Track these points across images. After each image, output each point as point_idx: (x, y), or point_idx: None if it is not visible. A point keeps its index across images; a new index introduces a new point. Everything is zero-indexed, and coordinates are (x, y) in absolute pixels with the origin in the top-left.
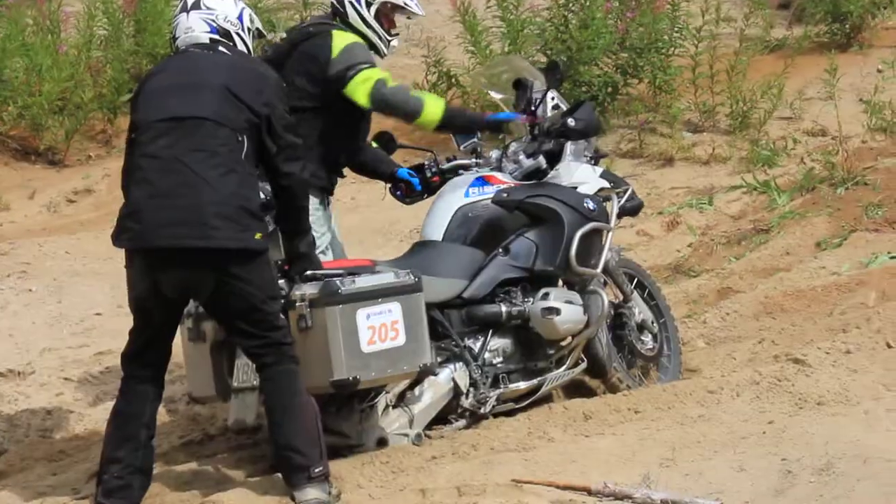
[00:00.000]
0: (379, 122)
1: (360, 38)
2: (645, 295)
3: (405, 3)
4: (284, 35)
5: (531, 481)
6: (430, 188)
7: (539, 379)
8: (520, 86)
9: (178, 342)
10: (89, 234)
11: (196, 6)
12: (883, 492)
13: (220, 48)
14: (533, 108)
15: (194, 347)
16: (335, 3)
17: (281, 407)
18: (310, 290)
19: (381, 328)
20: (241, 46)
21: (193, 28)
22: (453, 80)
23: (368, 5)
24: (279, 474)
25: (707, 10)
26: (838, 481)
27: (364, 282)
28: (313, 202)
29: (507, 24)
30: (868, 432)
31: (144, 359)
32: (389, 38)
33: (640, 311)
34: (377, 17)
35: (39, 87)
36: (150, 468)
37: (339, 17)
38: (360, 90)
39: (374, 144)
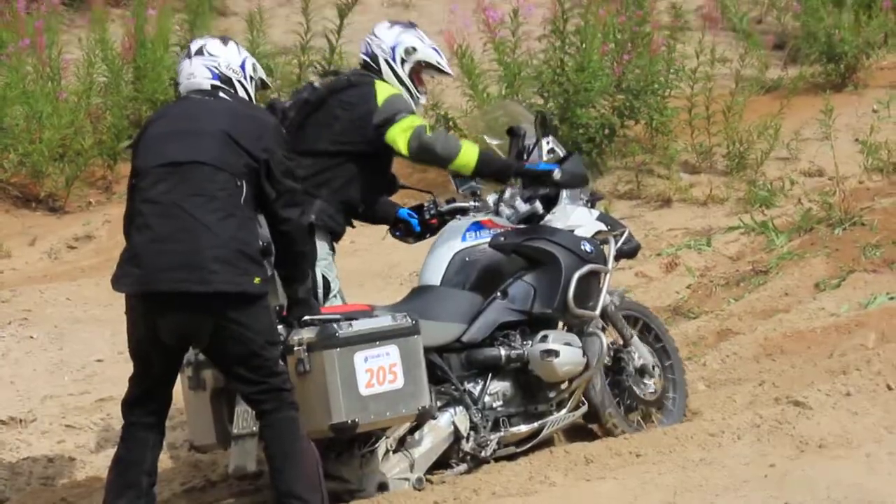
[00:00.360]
0: None
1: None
2: (651, 337)
3: (438, 63)
4: (313, 82)
5: None
6: (429, 229)
7: (540, 422)
8: (513, 133)
9: (179, 388)
10: (90, 281)
11: (199, 53)
12: None
13: (221, 94)
14: (527, 156)
15: (195, 395)
16: (368, 59)
17: (281, 453)
18: (307, 334)
19: (379, 371)
20: (241, 94)
21: (195, 74)
22: (451, 122)
23: (403, 62)
24: None
25: (702, 51)
26: None
27: (361, 325)
28: (324, 247)
29: (504, 66)
30: (870, 476)
31: (145, 406)
32: (419, 95)
33: (639, 355)
34: (410, 74)
35: (40, 134)
36: None
37: (371, 72)
38: (401, 137)
39: None
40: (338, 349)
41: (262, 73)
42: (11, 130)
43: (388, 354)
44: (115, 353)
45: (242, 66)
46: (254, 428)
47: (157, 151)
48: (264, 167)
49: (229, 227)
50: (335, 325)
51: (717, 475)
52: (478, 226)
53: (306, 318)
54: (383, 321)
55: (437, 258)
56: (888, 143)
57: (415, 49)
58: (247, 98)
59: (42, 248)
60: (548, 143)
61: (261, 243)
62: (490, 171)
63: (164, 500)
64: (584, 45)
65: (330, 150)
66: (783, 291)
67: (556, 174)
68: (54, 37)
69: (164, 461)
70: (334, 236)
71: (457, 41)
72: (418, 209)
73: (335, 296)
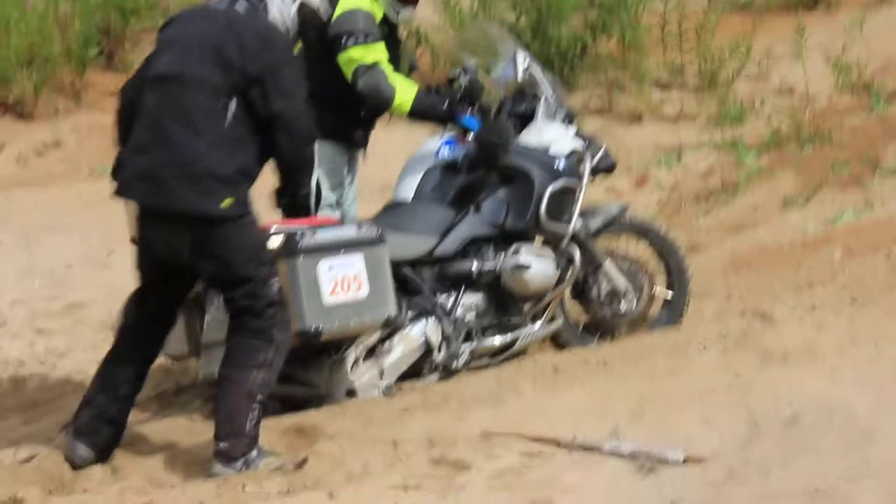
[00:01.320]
0: None
1: (370, 2)
2: (654, 251)
3: None
4: None
5: (501, 433)
6: None
7: (513, 334)
8: (462, 73)
9: None
10: (59, 188)
11: None
12: (847, 444)
13: (237, 6)
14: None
15: None
16: None
17: (224, 372)
18: (272, 243)
19: (343, 280)
20: (274, 11)
21: None
22: (422, 36)
23: None
24: None
25: None
26: (804, 434)
27: (325, 235)
28: (330, 149)
29: None
30: (833, 386)
31: (146, 311)
32: (399, 10)
33: (608, 279)
34: None
35: (8, 40)
36: (123, 421)
37: None
38: (346, 68)
39: None
40: (301, 257)
41: None
42: None
43: (353, 264)
44: (84, 259)
45: None
46: (223, 336)
47: (156, 61)
48: (259, 86)
49: (198, 147)
50: (298, 235)
51: (682, 385)
52: (452, 142)
53: (272, 228)
54: (348, 231)
55: (410, 174)
56: (859, 62)
57: None
58: (279, 15)
59: (10, 155)
60: (524, 61)
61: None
62: (424, 115)
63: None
64: None
65: (310, 55)
66: (751, 207)
67: (470, 135)
68: None
69: None
70: (346, 143)
71: None
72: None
73: (331, 206)
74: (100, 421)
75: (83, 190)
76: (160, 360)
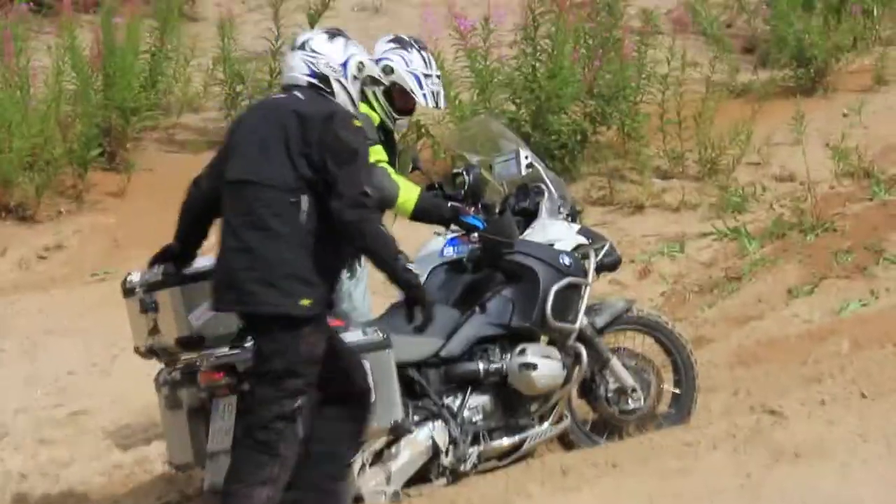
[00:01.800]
0: None
1: (367, 107)
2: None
3: (411, 89)
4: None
5: None
6: None
7: (521, 436)
8: (466, 172)
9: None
10: (61, 291)
11: (302, 47)
12: None
13: (296, 92)
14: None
15: (171, 415)
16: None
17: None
18: None
19: None
20: (340, 94)
21: (294, 68)
22: (423, 129)
23: (383, 75)
24: None
25: (673, 56)
26: None
27: None
28: None
29: (476, 73)
30: (844, 486)
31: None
32: (396, 118)
33: (615, 378)
34: (386, 94)
35: (9, 143)
36: None
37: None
38: None
39: None
40: None
41: (373, 71)
42: None
43: None
44: (88, 366)
45: (344, 65)
46: (229, 445)
47: (231, 165)
48: (322, 167)
49: (276, 249)
50: None
51: (692, 484)
52: (456, 241)
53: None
54: (353, 336)
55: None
56: (858, 148)
57: (392, 70)
58: (347, 98)
59: (12, 259)
60: (526, 157)
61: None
62: (427, 215)
63: None
64: (555, 52)
65: None
66: (756, 298)
67: (475, 236)
68: (22, 44)
69: (139, 476)
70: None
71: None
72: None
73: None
74: None
75: (86, 293)
76: (163, 470)
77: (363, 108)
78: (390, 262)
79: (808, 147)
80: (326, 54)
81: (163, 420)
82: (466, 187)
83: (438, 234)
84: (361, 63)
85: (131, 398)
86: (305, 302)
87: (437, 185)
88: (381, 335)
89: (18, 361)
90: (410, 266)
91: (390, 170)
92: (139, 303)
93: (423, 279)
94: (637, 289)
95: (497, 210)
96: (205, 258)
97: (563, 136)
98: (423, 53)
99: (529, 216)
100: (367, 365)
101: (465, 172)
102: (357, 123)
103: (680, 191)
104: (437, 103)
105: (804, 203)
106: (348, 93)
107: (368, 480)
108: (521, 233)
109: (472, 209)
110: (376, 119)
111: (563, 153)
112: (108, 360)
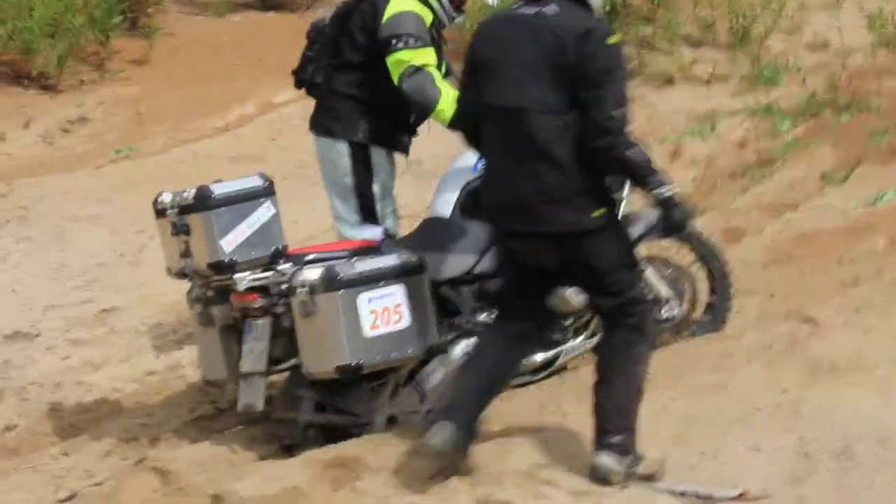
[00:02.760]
0: None
1: (419, 3)
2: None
3: None
4: None
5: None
6: None
7: (555, 351)
8: None
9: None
10: (86, 172)
11: None
12: None
13: (546, 10)
14: None
15: (204, 331)
16: None
17: (602, 369)
18: (310, 275)
19: (383, 312)
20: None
21: None
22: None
23: None
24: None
25: None
26: (858, 469)
27: (364, 265)
28: (383, 160)
29: None
30: (886, 407)
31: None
32: (454, 16)
33: (650, 288)
34: None
35: (30, 10)
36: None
37: None
38: (394, 69)
39: None
40: (341, 291)
41: None
42: (1, 6)
43: (393, 294)
44: (115, 256)
45: None
46: (262, 367)
47: (495, 89)
48: (577, 89)
49: (557, 174)
50: (337, 267)
51: (727, 404)
52: None
53: (310, 256)
54: (387, 260)
55: (447, 189)
56: (895, 15)
57: None
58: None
59: (36, 131)
60: None
61: None
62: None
63: (175, 430)
64: None
65: (355, 62)
66: (790, 184)
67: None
68: None
69: (172, 383)
70: (391, 148)
71: None
72: None
73: (391, 214)
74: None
75: (110, 173)
76: (195, 381)
77: (416, 6)
78: (646, 183)
79: (843, 14)
80: None
81: (195, 335)
82: None
83: None
84: None
85: (161, 294)
86: (597, 214)
87: None
88: (415, 259)
89: (46, 251)
90: (666, 184)
91: (437, 74)
92: (171, 225)
93: (455, 194)
94: (668, 173)
95: None
96: (232, 182)
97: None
98: None
99: None
100: (402, 290)
101: None
102: (613, 40)
103: (711, 62)
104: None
105: (838, 78)
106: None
107: (402, 401)
108: None
109: None
110: (428, 19)
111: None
112: (135, 250)
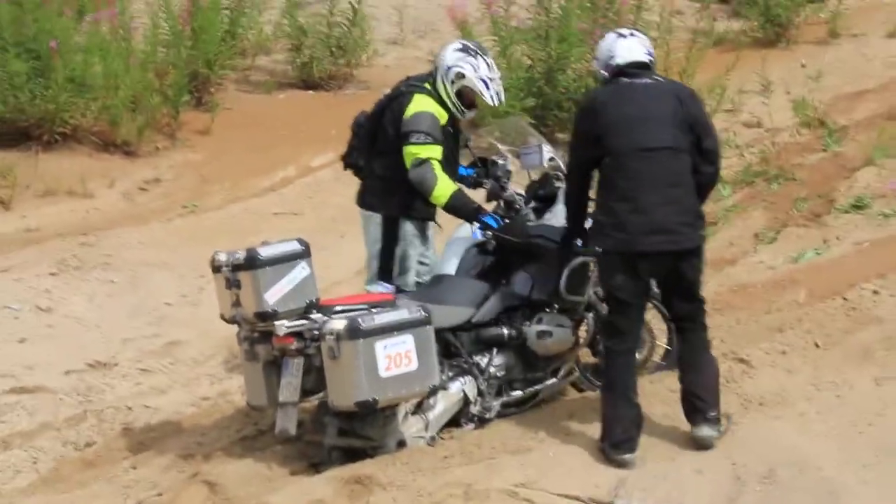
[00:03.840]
0: None
1: (436, 105)
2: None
3: (480, 93)
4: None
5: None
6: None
7: (537, 387)
8: (491, 162)
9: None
10: (158, 224)
11: (633, 34)
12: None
13: (655, 77)
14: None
15: (250, 365)
16: (435, 66)
17: (689, 361)
18: (337, 325)
19: (396, 357)
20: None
21: (633, 49)
22: None
23: (452, 83)
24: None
25: (663, 10)
26: (779, 490)
27: (382, 318)
28: (411, 229)
29: (499, 38)
30: (802, 436)
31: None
32: (464, 111)
33: None
34: (457, 93)
35: (116, 89)
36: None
37: (433, 78)
38: (407, 159)
39: None
40: (361, 340)
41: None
42: (93, 86)
43: (405, 342)
44: (180, 297)
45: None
46: (295, 398)
47: (641, 136)
48: (695, 134)
49: (688, 198)
50: (360, 319)
51: (677, 431)
52: (491, 220)
53: (337, 308)
54: (401, 314)
55: (452, 251)
56: (814, 99)
57: (463, 76)
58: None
59: (119, 190)
60: (548, 151)
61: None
62: (455, 211)
63: (223, 448)
64: (563, 20)
65: (387, 150)
66: (729, 242)
67: (488, 234)
68: (125, 4)
69: (223, 407)
70: (424, 221)
71: (458, 16)
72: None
73: (420, 272)
74: (632, 427)
75: (178, 226)
76: (241, 406)
77: (425, 103)
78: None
79: (774, 96)
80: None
81: (242, 367)
82: (490, 188)
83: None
84: None
85: (216, 329)
86: (702, 233)
87: (478, 162)
88: (423, 313)
89: (125, 292)
90: None
91: (437, 166)
92: (224, 280)
93: (459, 257)
94: None
95: (517, 202)
96: (276, 245)
97: (570, 91)
98: (487, 59)
99: (549, 201)
100: (411, 339)
101: (497, 161)
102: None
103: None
104: (500, 100)
105: (769, 151)
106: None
107: (410, 427)
108: (541, 217)
109: (496, 205)
110: (444, 118)
111: (570, 104)
112: (196, 292)
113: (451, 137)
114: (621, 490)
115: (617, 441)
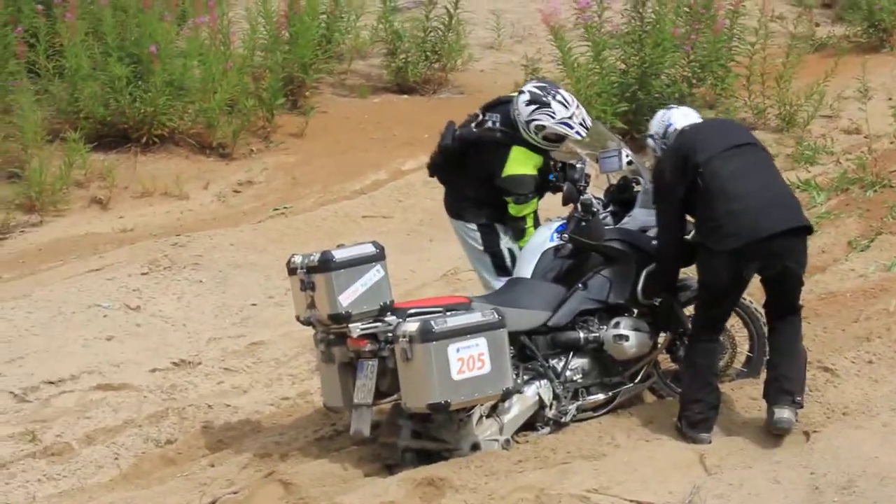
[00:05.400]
0: None
1: (532, 154)
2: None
3: (565, 135)
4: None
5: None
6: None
7: (613, 392)
8: (570, 167)
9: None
10: (250, 226)
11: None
12: None
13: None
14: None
15: (326, 367)
16: (514, 120)
17: (781, 349)
18: (410, 328)
19: (469, 360)
20: None
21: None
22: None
23: (537, 133)
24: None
25: (762, 14)
26: (857, 502)
27: (455, 321)
28: (503, 228)
29: (593, 42)
30: (884, 447)
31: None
32: (558, 147)
33: None
34: (542, 139)
35: (213, 92)
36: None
37: (516, 124)
38: (511, 209)
39: None
40: (434, 343)
41: None
42: (191, 89)
43: (478, 345)
44: (266, 298)
45: None
46: (370, 400)
47: (717, 141)
48: None
49: (783, 183)
50: (433, 322)
51: (756, 440)
52: (564, 227)
53: (411, 310)
54: (474, 317)
55: (529, 254)
56: None
57: (544, 127)
58: None
59: (213, 192)
60: (627, 155)
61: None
62: None
63: (299, 448)
64: (658, 25)
65: (483, 179)
66: (821, 249)
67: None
68: (225, 9)
69: (302, 407)
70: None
71: (551, 21)
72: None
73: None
74: (707, 409)
75: (268, 228)
76: (320, 407)
77: (524, 162)
78: None
79: (874, 102)
80: None
81: (319, 369)
82: (577, 176)
83: (551, 220)
84: None
85: (299, 330)
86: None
87: (558, 166)
88: (496, 316)
89: (213, 292)
90: None
91: (530, 220)
92: (300, 282)
93: (535, 261)
94: None
95: (594, 206)
96: (350, 248)
97: (664, 96)
98: (558, 97)
99: (627, 205)
100: (484, 342)
101: (577, 165)
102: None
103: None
104: (586, 129)
105: (867, 159)
106: None
107: (484, 430)
108: (620, 221)
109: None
110: (539, 163)
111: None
112: (282, 293)
113: (545, 163)
114: (696, 497)
115: (694, 421)
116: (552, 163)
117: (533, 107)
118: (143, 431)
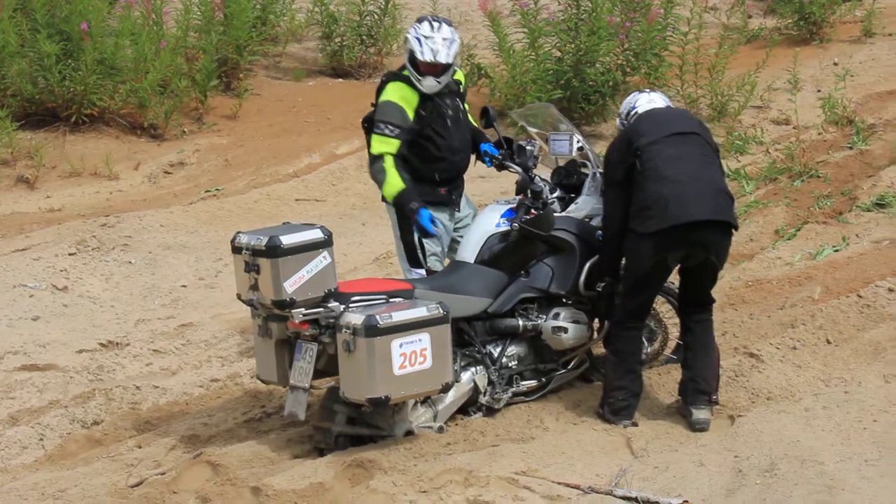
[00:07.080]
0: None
1: (408, 89)
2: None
3: (415, 50)
4: None
5: (527, 475)
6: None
7: (547, 378)
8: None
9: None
10: (180, 208)
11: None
12: (816, 498)
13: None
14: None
15: (262, 341)
16: None
17: (696, 348)
18: (355, 319)
19: (411, 355)
20: None
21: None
22: (482, 70)
23: (406, 54)
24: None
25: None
26: (780, 483)
27: (400, 316)
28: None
29: (528, 29)
30: (806, 431)
31: (640, 316)
32: (419, 78)
33: None
34: (411, 62)
35: (145, 72)
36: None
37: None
38: (370, 149)
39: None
40: (378, 338)
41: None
42: (123, 69)
43: (420, 340)
44: (196, 280)
45: None
46: (306, 384)
47: (659, 128)
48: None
49: (721, 177)
50: (378, 317)
51: (682, 423)
52: (511, 213)
53: (354, 296)
54: (419, 312)
55: (473, 238)
56: (843, 98)
57: (407, 39)
58: None
59: (144, 173)
60: (578, 141)
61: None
62: (399, 207)
63: (228, 430)
64: (594, 13)
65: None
66: (749, 237)
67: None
68: None
69: (231, 389)
70: (430, 204)
71: (488, 7)
72: (499, 144)
73: (436, 255)
74: (629, 396)
75: (200, 209)
76: (251, 388)
77: (392, 92)
78: None
79: (803, 94)
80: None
81: (255, 342)
82: (529, 162)
83: (498, 202)
84: None
85: (230, 312)
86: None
87: (503, 142)
88: (441, 311)
89: (142, 273)
90: None
91: (388, 161)
92: (244, 263)
93: (479, 246)
94: None
95: (544, 192)
96: (298, 232)
97: (598, 84)
98: (434, 23)
99: (573, 190)
100: (428, 337)
101: (526, 146)
102: None
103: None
104: (434, 56)
105: (795, 149)
106: None
107: (419, 417)
108: (566, 206)
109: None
110: (414, 100)
111: (597, 98)
112: (212, 275)
113: (435, 114)
114: (622, 480)
115: (617, 408)
116: (501, 139)
117: (413, 24)
118: (69, 412)
